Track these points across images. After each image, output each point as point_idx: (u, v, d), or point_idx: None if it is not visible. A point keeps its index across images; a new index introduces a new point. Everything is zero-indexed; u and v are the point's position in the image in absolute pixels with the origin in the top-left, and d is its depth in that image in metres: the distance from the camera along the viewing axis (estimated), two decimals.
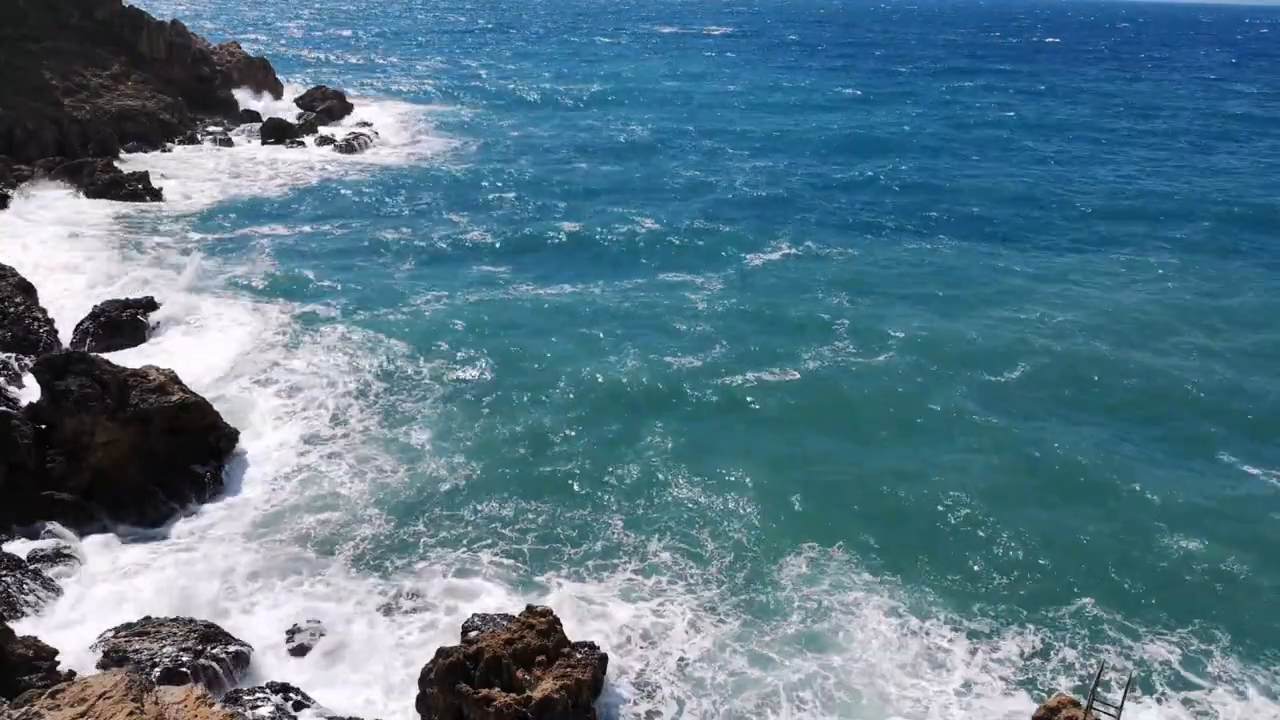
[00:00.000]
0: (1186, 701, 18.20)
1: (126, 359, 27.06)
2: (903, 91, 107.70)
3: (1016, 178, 62.89)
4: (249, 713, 16.18)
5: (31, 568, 19.76)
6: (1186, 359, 33.59)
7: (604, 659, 17.66)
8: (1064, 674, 18.72)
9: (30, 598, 19.12)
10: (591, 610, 19.85)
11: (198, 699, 13.44)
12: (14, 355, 28.40)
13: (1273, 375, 32.50)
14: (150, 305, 33.11)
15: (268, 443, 25.71)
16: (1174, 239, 49.17)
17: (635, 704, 17.58)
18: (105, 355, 26.50)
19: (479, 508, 23.31)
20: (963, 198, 56.68)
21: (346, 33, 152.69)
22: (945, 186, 59.53)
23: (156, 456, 23.49)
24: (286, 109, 75.12)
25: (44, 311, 31.19)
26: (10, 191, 45.71)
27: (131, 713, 12.71)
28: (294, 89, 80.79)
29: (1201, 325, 36.96)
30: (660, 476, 24.99)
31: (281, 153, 62.83)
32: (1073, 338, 35.05)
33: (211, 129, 66.10)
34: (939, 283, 40.95)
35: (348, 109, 76.45)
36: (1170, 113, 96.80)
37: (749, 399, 29.45)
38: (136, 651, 17.06)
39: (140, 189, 48.79)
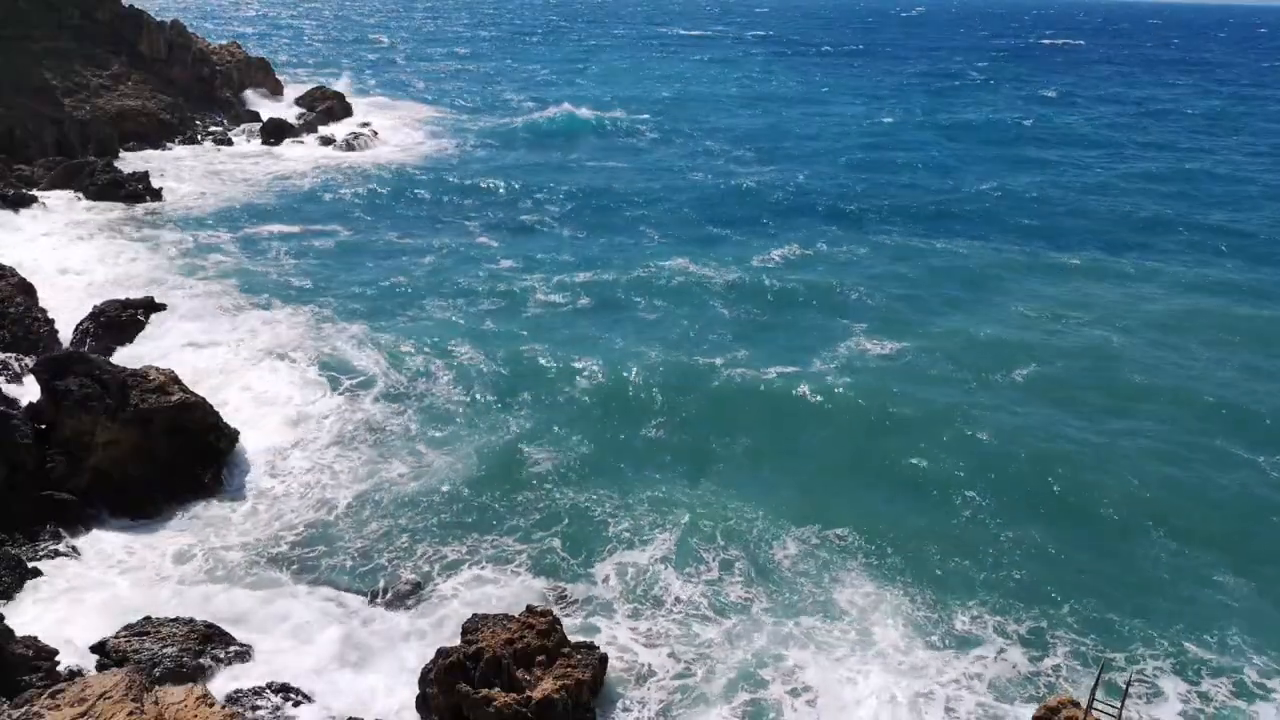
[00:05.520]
0: (1187, 702, 18.20)
1: (127, 359, 27.05)
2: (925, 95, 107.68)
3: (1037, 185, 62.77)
4: (249, 713, 16.19)
5: (31, 568, 19.78)
6: (1196, 361, 33.52)
7: (604, 659, 17.68)
8: (1064, 674, 18.72)
9: (30, 598, 19.14)
10: (593, 608, 19.88)
11: (198, 699, 13.46)
12: (14, 355, 28.44)
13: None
14: (151, 305, 33.11)
15: (269, 443, 25.66)
16: (1206, 245, 48.73)
17: (635, 704, 17.57)
18: (105, 355, 26.52)
19: (484, 508, 23.30)
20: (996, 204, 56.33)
21: (346, 34, 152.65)
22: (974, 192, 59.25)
23: (157, 457, 23.48)
24: (287, 109, 75.05)
25: (44, 311, 31.20)
26: (35, 193, 45.79)
27: (131, 713, 12.73)
28: (294, 89, 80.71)
29: (1217, 329, 36.79)
30: (666, 472, 25.04)
31: (282, 152, 62.82)
32: (1085, 339, 35.06)
33: (212, 129, 66.08)
34: (951, 285, 40.87)
35: (348, 109, 76.44)
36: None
37: (757, 395, 29.44)
38: (136, 651, 17.07)
39: (140, 189, 48.75)
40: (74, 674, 16.39)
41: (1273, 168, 69.68)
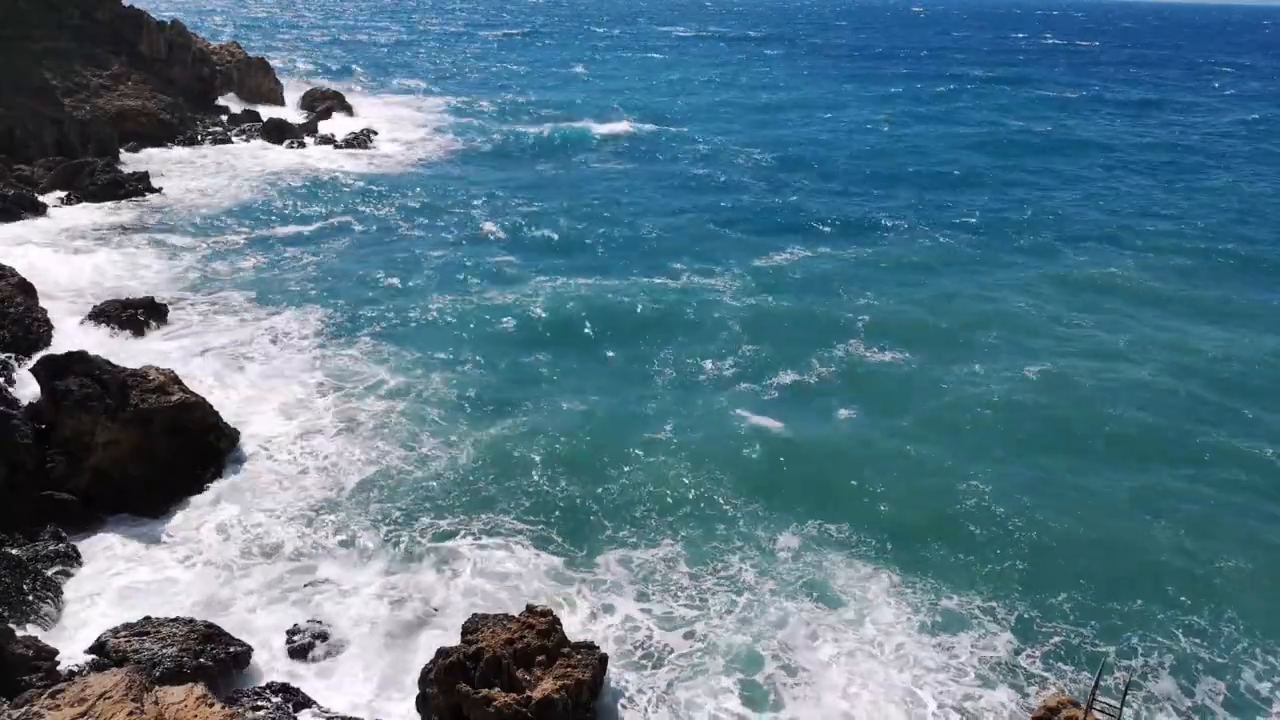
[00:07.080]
0: (1187, 702, 18.20)
1: (127, 359, 27.02)
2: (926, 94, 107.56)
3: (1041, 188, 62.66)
4: (249, 713, 16.16)
5: (31, 568, 19.75)
6: (1196, 362, 33.51)
7: (604, 659, 17.65)
8: (1063, 674, 18.73)
9: (30, 598, 19.12)
10: (594, 606, 19.88)
11: (198, 699, 13.45)
12: (14, 355, 28.41)
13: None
14: (150, 305, 33.11)
15: (269, 443, 25.66)
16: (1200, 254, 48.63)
17: (635, 704, 17.56)
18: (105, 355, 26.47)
19: (485, 509, 23.28)
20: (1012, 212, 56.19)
21: (347, 35, 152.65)
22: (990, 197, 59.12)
23: (157, 457, 23.48)
24: (287, 109, 75.15)
25: (44, 311, 31.19)
26: (47, 200, 45.94)
27: (131, 713, 12.72)
28: (294, 89, 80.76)
29: (1213, 332, 36.84)
30: (667, 472, 25.04)
31: (282, 152, 62.84)
32: (1086, 341, 35.08)
33: (211, 129, 66.06)
34: (954, 291, 40.87)
35: (348, 109, 76.53)
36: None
37: (759, 399, 29.45)
38: (136, 651, 17.04)
39: (140, 189, 48.82)
40: (74, 674, 16.38)
41: None
